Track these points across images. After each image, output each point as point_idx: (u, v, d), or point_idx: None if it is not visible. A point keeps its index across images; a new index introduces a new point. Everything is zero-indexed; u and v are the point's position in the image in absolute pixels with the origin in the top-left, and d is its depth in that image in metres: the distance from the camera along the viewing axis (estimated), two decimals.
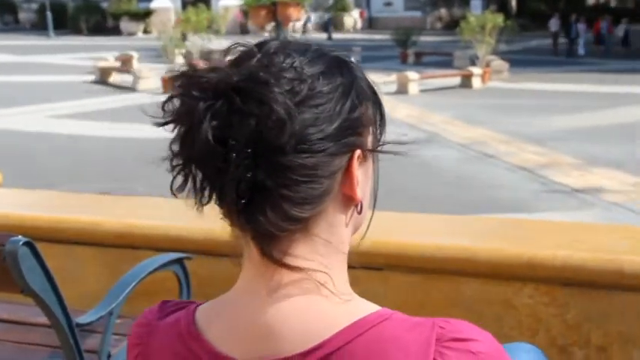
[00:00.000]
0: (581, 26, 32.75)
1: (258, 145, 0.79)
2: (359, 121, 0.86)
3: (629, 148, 12.61)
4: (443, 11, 56.03)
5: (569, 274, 2.60)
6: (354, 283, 3.08)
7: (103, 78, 23.57)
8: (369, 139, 0.89)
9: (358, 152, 0.86)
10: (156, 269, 2.31)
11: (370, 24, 56.74)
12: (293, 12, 9.79)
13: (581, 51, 32.08)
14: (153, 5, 48.12)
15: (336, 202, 0.86)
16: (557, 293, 2.64)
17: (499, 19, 24.08)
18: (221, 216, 0.86)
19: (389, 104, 19.16)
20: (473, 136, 14.37)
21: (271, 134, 0.78)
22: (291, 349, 0.83)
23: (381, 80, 23.42)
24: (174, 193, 0.84)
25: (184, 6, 39.87)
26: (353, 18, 56.86)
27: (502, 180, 11.11)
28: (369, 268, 2.90)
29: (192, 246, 3.15)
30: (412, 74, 20.90)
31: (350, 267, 3.17)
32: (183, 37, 25.07)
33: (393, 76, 21.00)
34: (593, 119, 15.79)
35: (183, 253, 2.97)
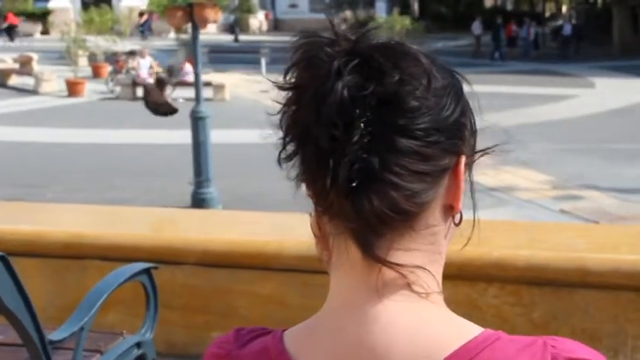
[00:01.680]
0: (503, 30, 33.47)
1: (382, 116, 0.75)
2: (465, 127, 0.83)
3: (539, 146, 13.04)
4: (348, 13, 56.61)
5: (533, 273, 2.65)
6: (315, 290, 3.04)
7: (2, 80, 22.70)
8: (469, 150, 0.86)
9: (464, 159, 0.83)
10: (125, 281, 2.23)
11: (276, 26, 56.77)
12: (210, 13, 9.61)
13: (497, 55, 32.63)
14: (51, 5, 46.62)
15: (439, 208, 0.81)
16: (523, 293, 2.69)
17: (407, 20, 24.52)
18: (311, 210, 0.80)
19: None
20: None
21: (401, 103, 0.75)
22: None
23: None
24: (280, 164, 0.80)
25: (84, 6, 38.80)
26: (258, 20, 56.76)
27: None
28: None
29: (144, 255, 3.06)
30: None
31: (309, 272, 3.14)
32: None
33: None
34: (503, 119, 16.24)
35: (133, 261, 2.89)
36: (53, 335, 2.03)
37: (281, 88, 0.80)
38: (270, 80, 0.82)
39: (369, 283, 0.79)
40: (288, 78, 0.79)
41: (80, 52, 23.70)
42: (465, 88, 0.87)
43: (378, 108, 0.75)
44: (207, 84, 17.87)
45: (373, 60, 0.75)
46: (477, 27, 34.05)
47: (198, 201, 9.39)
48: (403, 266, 0.78)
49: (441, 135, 0.78)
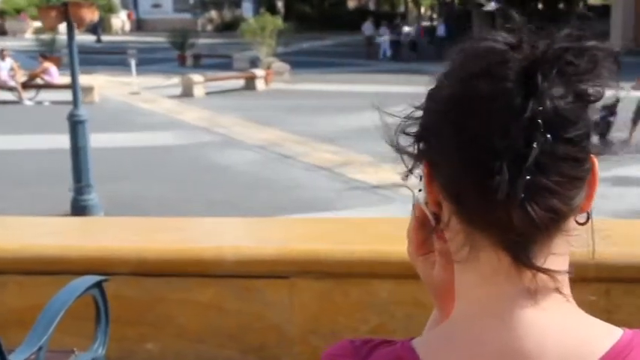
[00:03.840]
0: (384, 30, 33.75)
1: (555, 126, 0.73)
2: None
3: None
4: (213, 13, 56.21)
5: None
6: (257, 295, 2.99)
7: None
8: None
9: (596, 162, 0.82)
10: (79, 296, 2.09)
11: (139, 26, 55.59)
12: (87, 13, 9.25)
13: (386, 54, 32.83)
14: None
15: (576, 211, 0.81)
16: None
17: (278, 21, 24.59)
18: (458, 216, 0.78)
19: (176, 108, 18.89)
20: (267, 138, 14.54)
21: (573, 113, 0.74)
22: None
23: (164, 84, 23.06)
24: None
25: None
26: (121, 19, 55.43)
27: (303, 180, 11.34)
28: (273, 277, 2.83)
29: (72, 267, 2.90)
30: (197, 77, 20.75)
31: (250, 277, 3.08)
32: None
33: (176, 79, 20.73)
34: (378, 118, 16.56)
35: (59, 274, 2.73)
36: (14, 356, 1.88)
37: (450, 97, 0.76)
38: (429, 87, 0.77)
39: (520, 289, 0.78)
40: (464, 86, 0.75)
41: None
42: None
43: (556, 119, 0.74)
44: (69, 86, 17.26)
45: (564, 68, 0.73)
46: (368, 27, 34.23)
47: (79, 208, 9.03)
48: (556, 272, 0.78)
49: (587, 140, 0.78)
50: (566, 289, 0.80)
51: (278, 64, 23.74)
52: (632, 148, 10.36)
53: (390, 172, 11.60)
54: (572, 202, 0.77)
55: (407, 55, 31.80)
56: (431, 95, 0.80)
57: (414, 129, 0.85)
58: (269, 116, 17.02)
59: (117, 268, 2.77)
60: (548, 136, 0.72)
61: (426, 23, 36.18)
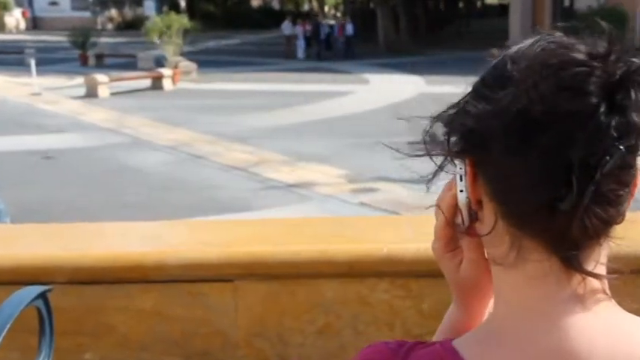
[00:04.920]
0: (299, 28, 33.51)
1: (632, 134, 0.74)
2: None
3: (329, 142, 13.46)
4: (114, 12, 55.01)
5: (421, 266, 2.71)
6: (200, 300, 2.92)
7: None
8: None
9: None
10: (25, 307, 1.99)
11: (35, 24, 53.85)
12: None
13: (300, 54, 32.43)
14: None
15: None
16: (412, 285, 2.74)
17: (185, 20, 24.26)
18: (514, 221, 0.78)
19: (81, 109, 18.38)
20: (177, 138, 14.33)
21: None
22: None
23: (66, 84, 22.40)
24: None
25: None
26: (15, 18, 53.55)
27: (217, 180, 11.23)
28: (217, 281, 2.77)
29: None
30: (101, 77, 20.25)
31: (194, 281, 3.00)
32: None
33: (80, 79, 20.17)
34: (291, 116, 16.59)
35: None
36: None
37: (520, 110, 0.74)
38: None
39: (569, 292, 0.79)
40: (538, 100, 0.73)
41: None
42: None
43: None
44: None
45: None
46: (287, 27, 33.58)
47: None
48: (604, 276, 0.80)
49: None
50: (608, 290, 0.81)
51: (185, 64, 23.44)
52: None
53: (306, 170, 11.63)
54: (622, 207, 0.78)
55: (323, 53, 31.75)
56: (487, 99, 0.78)
57: (450, 126, 0.84)
58: (178, 116, 16.79)
59: (51, 277, 2.65)
60: (622, 147, 0.73)
61: (331, 22, 36.24)
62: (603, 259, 0.80)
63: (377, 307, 2.78)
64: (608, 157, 0.72)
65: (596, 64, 0.73)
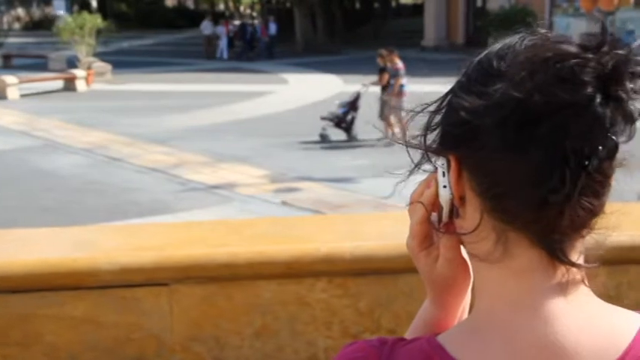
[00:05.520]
0: (222, 28, 32.89)
1: (622, 125, 0.75)
2: None
3: (250, 142, 13.38)
4: (20, 11, 53.41)
5: (359, 264, 2.73)
6: (135, 305, 2.88)
7: None
8: None
9: None
10: None
11: None
12: None
13: (224, 55, 31.86)
14: None
15: None
16: (350, 284, 2.75)
17: (98, 19, 23.71)
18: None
19: None
20: (93, 140, 14.01)
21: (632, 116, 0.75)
22: None
23: None
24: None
25: None
26: None
27: (136, 183, 11.02)
28: (152, 285, 2.72)
29: None
30: (10, 78, 19.62)
31: (128, 286, 2.93)
32: None
33: None
34: (211, 117, 16.41)
35: None
36: None
37: (514, 102, 0.74)
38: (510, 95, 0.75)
39: (553, 284, 0.79)
40: (533, 92, 0.73)
41: None
42: None
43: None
44: None
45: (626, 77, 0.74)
46: (206, 26, 32.82)
47: None
48: (586, 266, 0.81)
49: None
50: (587, 281, 0.82)
51: (99, 64, 22.92)
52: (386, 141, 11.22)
53: (227, 171, 11.53)
54: (604, 199, 0.79)
55: (248, 54, 31.45)
56: (478, 93, 0.77)
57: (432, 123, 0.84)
58: (93, 118, 16.40)
59: None
60: (614, 138, 0.74)
61: (255, 22, 35.99)
62: (583, 250, 0.81)
63: (315, 306, 2.77)
64: (601, 148, 0.73)
65: (589, 55, 0.73)
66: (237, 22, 35.99)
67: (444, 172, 0.84)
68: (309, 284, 2.76)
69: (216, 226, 3.21)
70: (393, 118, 12.39)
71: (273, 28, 31.54)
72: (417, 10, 42.35)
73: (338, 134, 13.28)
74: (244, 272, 2.69)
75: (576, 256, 0.80)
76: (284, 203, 9.70)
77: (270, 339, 2.77)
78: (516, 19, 24.16)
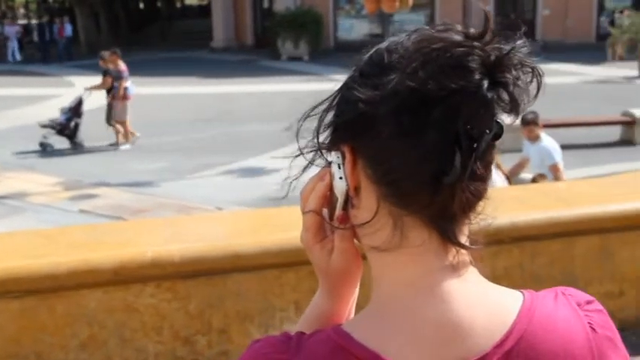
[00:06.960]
0: (11, 29, 30.47)
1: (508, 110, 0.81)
2: None
3: (35, 148, 12.68)
4: None
5: (188, 267, 2.71)
6: (39, 314, 2.71)
7: None
8: None
9: None
10: None
11: None
12: None
13: (17, 56, 29.49)
14: None
15: None
16: (179, 287, 2.72)
17: None
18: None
19: None
20: None
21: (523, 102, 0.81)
22: (487, 344, 0.82)
23: None
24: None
25: None
26: None
27: None
28: None
29: None
30: None
31: (31, 292, 2.74)
32: None
33: None
34: None
35: None
36: None
37: (408, 90, 0.77)
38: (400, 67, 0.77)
39: (446, 264, 0.84)
40: (425, 79, 0.77)
41: None
42: None
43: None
44: None
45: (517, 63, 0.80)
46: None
47: None
48: (473, 248, 0.85)
49: None
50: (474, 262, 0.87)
51: None
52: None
53: (15, 180, 10.84)
54: (488, 183, 0.84)
55: (43, 55, 29.48)
56: (372, 85, 0.81)
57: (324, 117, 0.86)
58: None
59: None
60: (499, 121, 0.79)
61: (22, 22, 33.95)
62: (468, 232, 0.86)
63: (144, 312, 2.71)
64: (488, 131, 0.78)
65: (475, 43, 0.78)
66: (21, 22, 33.78)
67: (339, 165, 0.86)
68: (136, 290, 2.69)
69: (29, 236, 3.04)
70: (118, 122, 12.40)
71: (68, 29, 29.98)
72: (203, 11, 42.21)
73: (62, 142, 12.81)
74: (66, 282, 2.58)
75: (464, 238, 0.84)
76: (82, 211, 9.30)
77: (98, 349, 2.67)
78: (303, 20, 24.84)
